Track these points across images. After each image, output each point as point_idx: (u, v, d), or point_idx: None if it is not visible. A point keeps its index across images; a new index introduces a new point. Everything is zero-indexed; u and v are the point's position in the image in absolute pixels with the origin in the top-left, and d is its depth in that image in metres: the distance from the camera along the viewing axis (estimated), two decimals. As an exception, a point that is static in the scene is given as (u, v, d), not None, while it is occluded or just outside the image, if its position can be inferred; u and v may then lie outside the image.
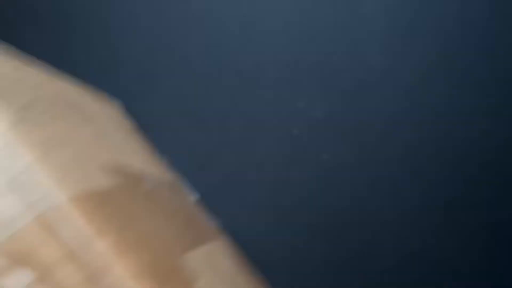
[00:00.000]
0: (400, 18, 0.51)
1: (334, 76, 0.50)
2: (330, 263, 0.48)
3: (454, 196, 0.49)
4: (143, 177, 0.17)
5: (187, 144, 0.49)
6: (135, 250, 0.14)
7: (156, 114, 0.50)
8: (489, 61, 0.50)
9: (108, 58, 0.50)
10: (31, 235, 0.14)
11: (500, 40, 0.50)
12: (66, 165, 0.15)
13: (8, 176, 0.14)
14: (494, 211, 0.48)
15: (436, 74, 0.50)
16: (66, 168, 0.15)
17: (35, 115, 0.15)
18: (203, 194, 0.48)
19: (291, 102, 0.50)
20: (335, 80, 0.50)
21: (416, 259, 0.48)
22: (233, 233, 0.47)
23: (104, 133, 0.17)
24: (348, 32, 0.51)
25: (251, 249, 0.47)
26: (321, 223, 0.48)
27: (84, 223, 0.14)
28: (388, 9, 0.51)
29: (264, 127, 0.50)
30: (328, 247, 0.48)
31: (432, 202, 0.48)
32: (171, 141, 0.49)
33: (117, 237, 0.14)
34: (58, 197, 0.14)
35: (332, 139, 0.50)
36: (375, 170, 0.49)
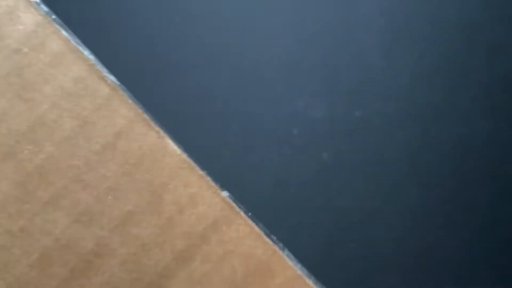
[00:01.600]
0: (400, 18, 0.51)
1: (334, 76, 0.49)
2: (330, 263, 0.47)
3: (454, 196, 0.48)
4: None
5: (187, 144, 0.48)
6: None
7: (156, 114, 0.49)
8: (489, 61, 0.49)
9: (107, 57, 0.49)
10: None
11: (500, 40, 0.50)
12: None
13: None
14: (494, 211, 0.47)
15: (437, 74, 0.49)
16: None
17: None
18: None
19: (291, 102, 0.49)
20: (335, 80, 0.49)
21: (416, 259, 0.47)
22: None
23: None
24: (348, 31, 0.50)
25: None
26: (321, 223, 0.47)
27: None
28: (389, 8, 0.50)
29: (264, 127, 0.48)
30: (328, 247, 0.47)
31: (432, 202, 0.48)
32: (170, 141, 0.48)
33: None
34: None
35: (332, 139, 0.49)
36: (375, 170, 0.48)
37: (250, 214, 0.14)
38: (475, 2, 0.50)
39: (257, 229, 0.14)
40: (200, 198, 0.13)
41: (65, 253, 0.13)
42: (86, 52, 0.12)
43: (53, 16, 0.12)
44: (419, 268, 0.47)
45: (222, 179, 0.15)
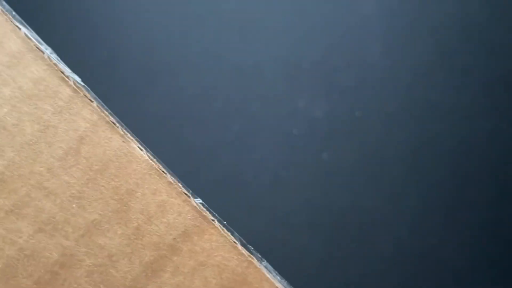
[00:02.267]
0: (400, 17, 0.50)
1: (334, 76, 0.49)
2: (330, 263, 0.47)
3: (454, 196, 0.47)
4: None
5: (187, 144, 0.47)
6: None
7: (155, 114, 0.48)
8: (489, 61, 0.49)
9: (107, 58, 0.49)
10: None
11: (500, 40, 0.49)
12: None
13: None
14: (494, 211, 0.47)
15: (436, 73, 0.49)
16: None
17: None
18: (203, 194, 0.46)
19: (291, 102, 0.48)
20: (335, 79, 0.49)
21: (416, 259, 0.47)
22: (232, 233, 0.46)
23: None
24: (348, 31, 0.50)
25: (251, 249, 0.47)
26: (321, 223, 0.47)
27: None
28: (388, 8, 0.50)
29: (264, 127, 0.48)
30: (328, 247, 0.47)
31: (432, 202, 0.47)
32: (171, 141, 0.47)
33: None
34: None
35: (332, 139, 0.48)
36: (375, 170, 0.48)
37: (225, 222, 0.13)
38: (475, 2, 0.50)
39: (232, 239, 0.13)
40: (169, 206, 0.12)
41: (29, 263, 0.12)
42: (47, 51, 0.11)
43: (13, 13, 0.11)
44: (419, 268, 0.46)
45: (195, 186, 0.14)
